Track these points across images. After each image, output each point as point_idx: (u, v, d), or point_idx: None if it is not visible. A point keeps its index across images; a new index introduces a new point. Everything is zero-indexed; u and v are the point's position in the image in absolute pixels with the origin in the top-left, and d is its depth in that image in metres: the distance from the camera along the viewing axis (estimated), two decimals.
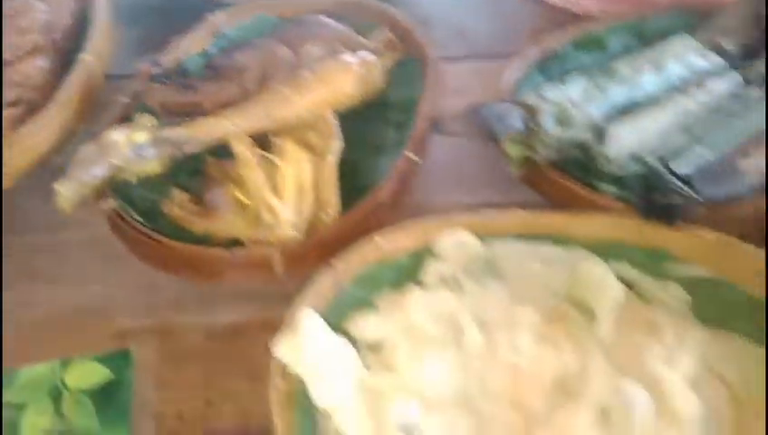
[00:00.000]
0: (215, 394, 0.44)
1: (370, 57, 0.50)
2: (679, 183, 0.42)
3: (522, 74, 0.56)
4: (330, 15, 0.62)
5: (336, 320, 0.40)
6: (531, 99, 0.50)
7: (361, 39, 0.55)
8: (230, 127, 0.45)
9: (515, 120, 0.48)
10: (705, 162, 0.45)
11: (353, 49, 0.51)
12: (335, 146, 0.46)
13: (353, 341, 0.40)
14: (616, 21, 0.60)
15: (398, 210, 0.47)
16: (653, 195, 0.42)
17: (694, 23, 0.59)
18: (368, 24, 0.61)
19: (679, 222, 0.41)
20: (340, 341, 0.38)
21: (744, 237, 0.41)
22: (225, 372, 0.45)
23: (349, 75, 0.48)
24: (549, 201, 0.47)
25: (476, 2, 0.74)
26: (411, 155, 0.48)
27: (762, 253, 0.40)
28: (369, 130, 0.54)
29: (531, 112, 0.49)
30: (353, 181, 0.48)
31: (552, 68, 0.57)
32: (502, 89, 0.54)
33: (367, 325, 0.41)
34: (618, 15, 0.61)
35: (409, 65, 0.58)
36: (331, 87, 0.47)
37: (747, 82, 0.53)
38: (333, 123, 0.47)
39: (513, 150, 0.45)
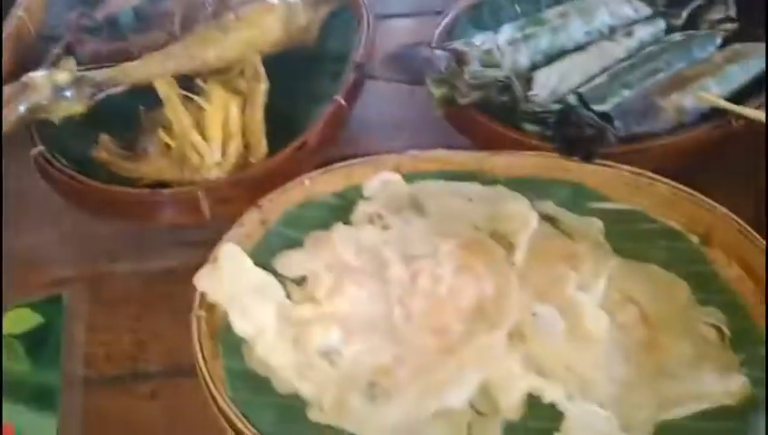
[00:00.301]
0: (145, 336, 0.44)
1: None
2: (597, 119, 0.43)
3: (453, 25, 0.56)
4: None
5: (263, 258, 0.41)
6: (458, 44, 0.51)
7: None
8: (153, 68, 0.45)
9: (440, 62, 0.49)
10: (624, 100, 0.47)
11: None
12: (261, 89, 0.47)
13: (280, 278, 0.40)
14: None
15: (328, 154, 0.47)
16: (571, 131, 0.43)
17: None
18: None
19: (596, 157, 0.42)
20: (262, 273, 0.39)
21: (659, 172, 0.43)
22: (155, 314, 0.45)
23: (271, 16, 0.48)
24: (474, 143, 0.48)
25: None
26: (341, 99, 0.48)
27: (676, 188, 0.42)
28: (305, 79, 0.54)
29: (457, 56, 0.50)
30: (287, 128, 0.49)
31: (484, 19, 0.57)
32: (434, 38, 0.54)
33: (293, 262, 0.41)
34: None
35: (346, 17, 0.58)
36: (253, 27, 0.47)
37: (671, 28, 0.54)
38: (259, 67, 0.47)
39: (437, 91, 0.46)
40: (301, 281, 0.40)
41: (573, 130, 0.42)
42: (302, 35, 0.51)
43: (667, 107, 0.46)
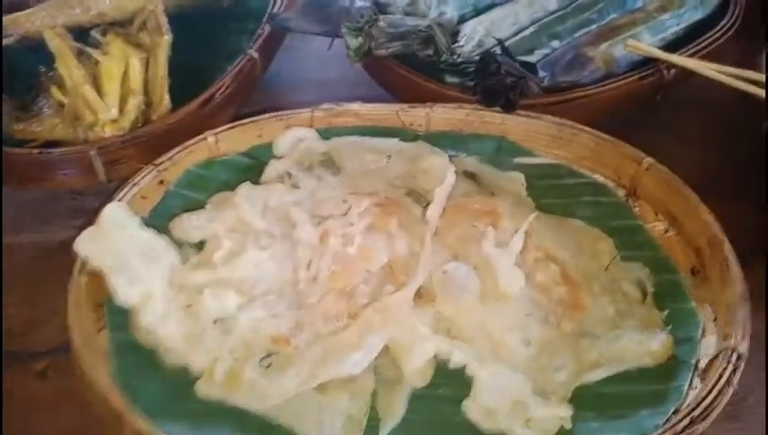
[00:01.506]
0: (41, 312, 0.41)
1: None
2: (519, 68, 0.40)
3: None
4: None
5: (160, 222, 0.37)
6: None
7: None
8: (44, 18, 0.41)
9: (358, 10, 0.45)
10: (552, 51, 0.44)
11: None
12: (165, 42, 0.43)
13: (179, 243, 0.37)
14: None
15: (238, 112, 0.44)
16: (491, 81, 0.40)
17: None
18: None
19: (516, 107, 0.40)
20: (151, 235, 0.35)
21: (588, 124, 0.41)
22: (52, 290, 0.42)
23: None
24: (395, 96, 0.45)
25: None
26: (252, 53, 0.45)
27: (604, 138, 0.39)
28: (218, 34, 0.50)
29: (378, 6, 0.46)
30: (196, 86, 0.45)
31: None
32: None
33: (191, 225, 0.38)
34: None
35: None
36: None
37: None
38: (162, 18, 0.43)
39: (353, 42, 0.43)
40: (201, 246, 0.37)
41: (494, 80, 0.40)
42: None
43: (595, 57, 0.43)
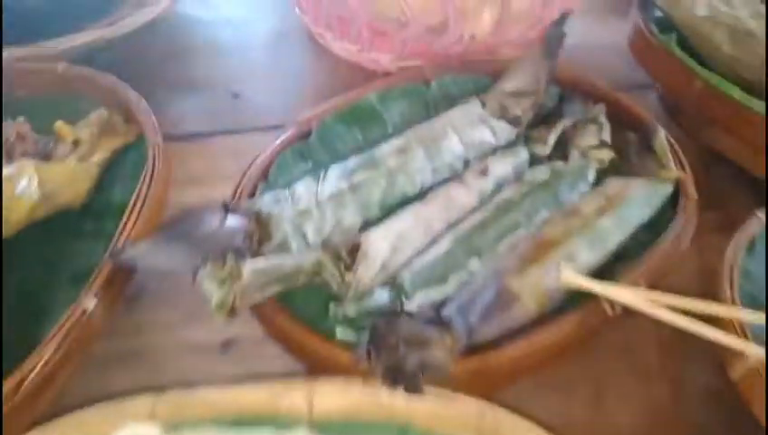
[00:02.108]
0: None
1: (26, 168, 0.37)
2: (427, 335, 0.31)
3: (276, 157, 0.44)
4: (39, 92, 0.48)
5: None
6: (265, 201, 0.39)
7: (32, 135, 0.41)
8: None
9: (234, 233, 0.36)
10: (470, 276, 0.36)
11: (11, 154, 0.38)
12: None
13: None
14: (397, 85, 0.49)
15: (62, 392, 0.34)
16: (389, 356, 0.31)
17: (486, 84, 0.50)
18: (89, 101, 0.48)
19: (422, 390, 0.30)
20: None
21: (515, 379, 0.32)
22: None
23: None
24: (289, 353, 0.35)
25: (253, 60, 0.62)
26: (87, 303, 0.35)
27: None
28: (66, 250, 0.41)
29: (260, 226, 0.37)
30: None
31: (315, 148, 0.45)
32: (245, 183, 0.42)
33: None
34: (407, 76, 0.51)
35: (139, 154, 0.46)
36: None
37: (535, 159, 0.44)
38: None
39: (216, 294, 0.33)
40: None
41: (393, 358, 0.30)
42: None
43: (522, 294, 0.35)
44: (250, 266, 0.33)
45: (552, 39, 0.48)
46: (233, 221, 0.36)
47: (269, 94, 0.58)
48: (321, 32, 0.60)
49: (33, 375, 0.32)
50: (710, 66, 0.49)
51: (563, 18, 0.49)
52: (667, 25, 0.52)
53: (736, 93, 0.46)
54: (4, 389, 0.31)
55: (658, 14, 0.54)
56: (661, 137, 0.42)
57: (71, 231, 0.42)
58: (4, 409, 0.31)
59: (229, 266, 0.32)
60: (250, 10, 0.68)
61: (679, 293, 0.38)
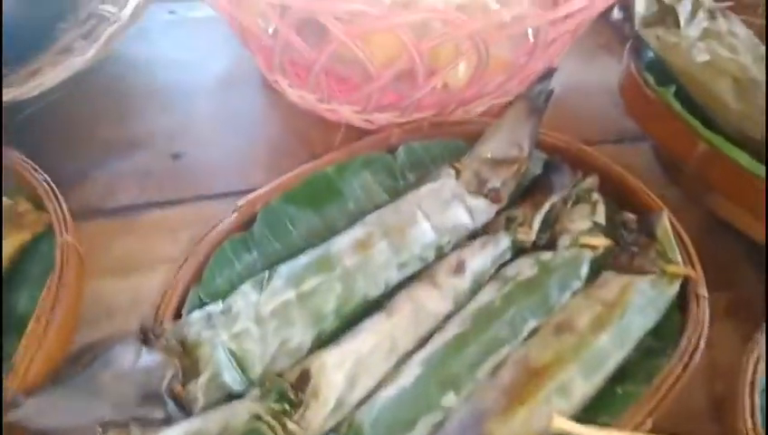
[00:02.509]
0: None
1: None
2: None
3: (214, 254, 0.37)
4: None
5: None
6: (192, 326, 0.32)
7: None
8: None
9: (155, 373, 0.29)
10: (444, 418, 0.30)
11: None
12: None
13: None
14: (358, 153, 0.43)
15: None
16: None
17: (460, 149, 0.43)
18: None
19: None
20: None
21: None
22: None
23: None
24: None
25: (198, 112, 0.55)
26: None
27: None
28: None
29: (186, 358, 0.31)
30: None
31: (261, 237, 0.39)
32: (170, 294, 0.35)
33: None
34: (369, 144, 0.44)
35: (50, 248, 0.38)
36: None
37: (518, 248, 0.38)
38: None
39: None
40: None
41: None
42: None
43: None
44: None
45: (537, 96, 0.42)
46: (149, 358, 0.29)
47: (216, 153, 0.51)
48: (276, 78, 0.53)
49: None
50: (711, 119, 0.43)
51: (549, 73, 0.42)
52: (662, 71, 0.46)
53: (744, 160, 0.40)
54: None
55: (652, 55, 0.48)
56: (665, 223, 0.36)
57: None
58: None
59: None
60: (199, 51, 0.61)
61: (684, 396, 0.32)
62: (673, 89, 0.43)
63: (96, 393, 0.28)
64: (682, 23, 0.46)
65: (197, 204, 0.47)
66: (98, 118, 0.53)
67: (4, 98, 0.46)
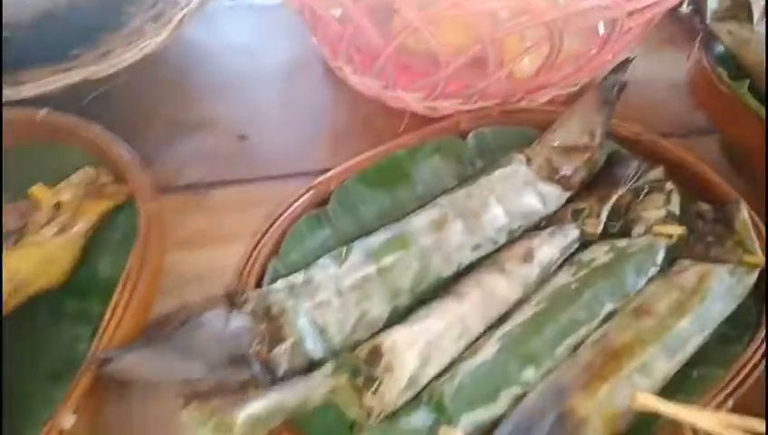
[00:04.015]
0: None
1: None
2: None
3: (290, 227, 0.38)
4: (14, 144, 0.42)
5: None
6: (277, 294, 0.33)
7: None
8: None
9: (242, 335, 0.30)
10: (524, 389, 0.30)
11: None
12: None
13: None
14: (429, 139, 0.43)
15: None
16: None
17: (530, 137, 0.44)
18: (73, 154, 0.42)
19: None
20: None
21: None
22: None
23: None
24: None
25: (263, 96, 0.56)
26: (64, 420, 0.29)
27: None
28: (44, 337, 0.35)
29: (271, 324, 0.31)
30: None
31: (334, 214, 0.39)
32: (252, 264, 0.36)
33: None
34: (439, 128, 0.44)
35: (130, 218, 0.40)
36: None
37: (587, 238, 0.38)
38: None
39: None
40: None
41: None
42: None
43: (590, 417, 0.29)
44: (244, 414, 0.26)
45: (610, 87, 0.42)
46: (238, 322, 0.30)
47: (281, 136, 0.52)
48: (341, 65, 0.54)
49: None
50: None
51: (624, 64, 0.42)
52: (733, 66, 0.46)
53: None
54: None
55: (722, 49, 0.48)
56: (744, 214, 0.36)
57: (50, 314, 0.36)
58: None
59: (218, 418, 0.26)
60: (261, 38, 0.62)
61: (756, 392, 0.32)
62: (747, 83, 0.43)
63: (189, 353, 0.29)
64: (756, 17, 0.46)
65: (265, 183, 0.48)
66: (164, 100, 0.55)
67: (77, 77, 0.47)
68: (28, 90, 0.45)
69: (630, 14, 0.41)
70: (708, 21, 0.47)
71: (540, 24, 0.40)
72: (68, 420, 0.29)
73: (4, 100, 0.44)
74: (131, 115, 0.52)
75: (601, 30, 0.45)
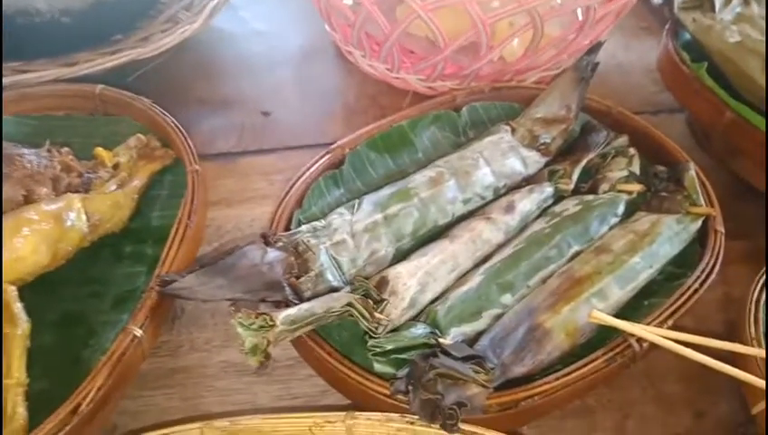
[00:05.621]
0: None
1: (74, 201, 0.38)
2: (464, 372, 0.32)
3: (310, 185, 0.45)
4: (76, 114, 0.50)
5: None
6: (303, 235, 0.40)
7: (76, 165, 0.43)
8: None
9: (275, 266, 0.37)
10: (504, 310, 0.37)
11: (58, 186, 0.40)
12: (20, 333, 0.34)
13: None
14: (429, 111, 0.50)
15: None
16: (425, 393, 0.32)
17: (515, 111, 0.51)
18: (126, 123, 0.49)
19: (458, 428, 0.32)
20: None
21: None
22: None
23: (28, 239, 0.36)
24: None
25: (282, 77, 0.63)
26: (135, 330, 0.36)
27: None
28: (109, 274, 0.42)
29: (298, 258, 0.38)
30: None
31: (348, 175, 0.46)
32: (281, 211, 0.43)
33: None
34: (438, 102, 0.51)
35: (175, 177, 0.47)
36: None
37: (559, 193, 0.45)
38: (15, 305, 0.34)
39: (249, 338, 0.33)
40: None
41: (430, 391, 0.32)
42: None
43: (554, 329, 0.36)
44: (283, 315, 0.33)
45: (585, 67, 0.49)
46: (273, 255, 0.37)
47: (299, 113, 0.59)
48: (351, 50, 0.61)
49: (88, 400, 0.33)
50: (741, 95, 0.49)
51: (597, 47, 0.49)
52: (697, 50, 0.52)
53: (765, 127, 0.46)
54: (61, 414, 0.33)
55: (688, 36, 0.54)
56: (692, 173, 0.43)
57: (112, 255, 0.43)
58: None
59: (262, 318, 0.33)
60: (280, 24, 0.69)
61: (703, 320, 0.39)
62: (705, 65, 0.50)
63: (234, 278, 0.36)
64: (717, 7, 0.52)
65: (286, 153, 0.55)
66: (194, 80, 0.62)
67: (125, 58, 0.54)
68: (81, 69, 0.52)
69: (602, 2, 0.48)
70: (676, 10, 0.53)
71: (526, 8, 0.46)
72: (138, 328, 0.36)
73: (59, 78, 0.51)
74: (168, 93, 0.59)
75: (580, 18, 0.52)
